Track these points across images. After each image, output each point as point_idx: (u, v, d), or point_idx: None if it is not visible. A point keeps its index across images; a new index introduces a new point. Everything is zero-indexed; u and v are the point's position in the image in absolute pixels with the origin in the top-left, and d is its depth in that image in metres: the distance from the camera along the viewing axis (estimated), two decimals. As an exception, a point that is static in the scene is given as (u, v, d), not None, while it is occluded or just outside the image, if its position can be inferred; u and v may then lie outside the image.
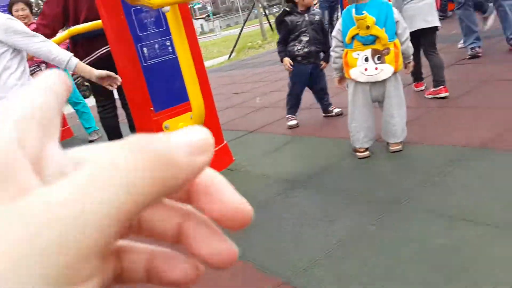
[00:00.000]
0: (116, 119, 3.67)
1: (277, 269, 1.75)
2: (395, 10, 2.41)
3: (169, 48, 2.89)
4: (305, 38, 3.39)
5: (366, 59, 2.42)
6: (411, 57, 2.55)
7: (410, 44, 2.49)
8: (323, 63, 3.48)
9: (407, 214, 1.91)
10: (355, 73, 2.47)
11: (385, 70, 2.39)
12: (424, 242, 1.67)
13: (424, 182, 2.13)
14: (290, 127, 3.61)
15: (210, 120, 3.05)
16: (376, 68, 2.40)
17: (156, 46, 2.86)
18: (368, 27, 2.34)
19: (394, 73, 2.43)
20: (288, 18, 3.40)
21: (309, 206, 2.25)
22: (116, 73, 2.70)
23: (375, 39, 2.37)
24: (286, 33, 3.44)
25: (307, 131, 3.49)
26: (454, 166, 2.20)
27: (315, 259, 1.74)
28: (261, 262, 1.82)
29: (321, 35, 3.44)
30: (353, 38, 2.43)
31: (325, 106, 3.64)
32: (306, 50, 3.40)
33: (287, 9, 3.43)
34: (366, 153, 2.59)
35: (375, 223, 1.88)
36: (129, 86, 2.81)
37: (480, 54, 4.34)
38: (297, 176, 2.61)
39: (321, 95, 3.60)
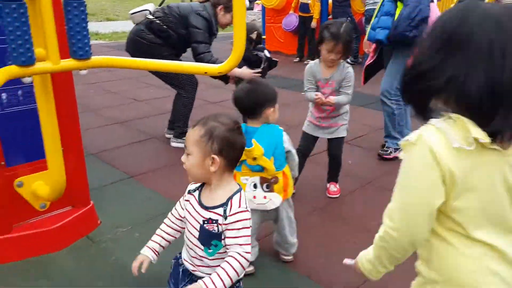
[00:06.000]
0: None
1: None
2: (285, 139, 2.22)
3: (36, 96, 2.42)
4: None
5: (255, 186, 2.21)
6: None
7: (296, 169, 2.35)
8: None
9: None
10: None
11: (274, 200, 2.21)
12: None
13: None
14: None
15: (76, 181, 2.65)
16: (265, 197, 2.21)
17: (19, 92, 2.37)
18: (255, 159, 2.15)
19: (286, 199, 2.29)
20: None
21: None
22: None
23: (263, 168, 2.18)
24: None
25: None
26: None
27: None
28: None
29: None
30: (241, 162, 2.19)
31: None
32: None
33: None
34: (251, 268, 2.36)
35: None
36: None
37: None
38: (157, 275, 2.32)
39: None
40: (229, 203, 1.51)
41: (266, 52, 4.03)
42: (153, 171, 3.64)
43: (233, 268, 1.47)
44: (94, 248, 2.59)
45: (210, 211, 1.53)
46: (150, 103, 5.70)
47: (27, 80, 1.87)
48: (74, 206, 2.73)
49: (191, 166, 1.52)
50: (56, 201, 2.58)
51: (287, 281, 2.34)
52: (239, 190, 1.55)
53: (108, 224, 2.82)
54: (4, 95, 2.32)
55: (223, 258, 1.52)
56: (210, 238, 1.53)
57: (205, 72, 1.90)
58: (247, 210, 1.52)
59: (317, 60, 3.07)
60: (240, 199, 1.53)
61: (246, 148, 2.10)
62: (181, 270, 1.65)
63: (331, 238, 2.72)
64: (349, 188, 3.34)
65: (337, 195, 3.23)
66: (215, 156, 1.49)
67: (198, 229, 1.55)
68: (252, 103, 2.18)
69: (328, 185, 3.29)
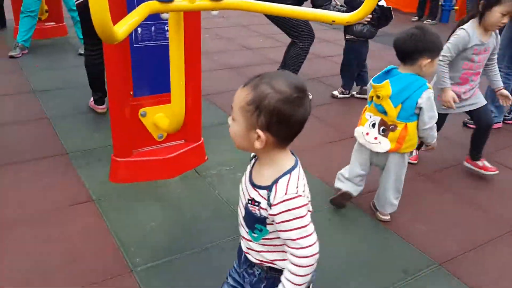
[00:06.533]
0: (102, 66, 3.42)
1: None
2: (425, 95, 2.11)
3: (167, 33, 2.58)
4: None
5: (373, 125, 2.25)
6: (433, 143, 2.31)
7: (432, 133, 2.24)
8: None
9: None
10: (358, 131, 2.33)
11: (382, 144, 2.22)
12: None
13: None
14: None
15: (191, 117, 2.83)
16: (376, 138, 2.23)
17: (153, 28, 2.56)
18: (378, 97, 2.14)
19: (399, 152, 2.26)
20: None
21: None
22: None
23: (386, 111, 2.17)
24: None
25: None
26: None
27: None
28: None
29: None
30: (372, 98, 2.25)
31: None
32: None
33: None
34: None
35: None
36: (112, 65, 2.53)
37: None
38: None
39: None
40: (273, 188, 1.15)
41: (382, 1, 3.82)
42: (258, 118, 3.75)
43: (295, 274, 1.17)
44: (200, 181, 2.79)
45: (255, 189, 1.22)
46: (258, 51, 5.79)
47: (165, 16, 2.01)
48: (186, 140, 2.94)
49: (234, 134, 1.19)
50: (171, 133, 2.80)
51: (380, 240, 2.35)
52: (289, 171, 1.17)
53: (214, 161, 3.01)
54: (139, 29, 2.51)
55: (270, 245, 1.25)
56: (254, 221, 1.24)
57: (333, 21, 1.90)
58: (299, 196, 1.14)
59: (470, 24, 2.73)
60: (288, 183, 1.15)
61: (375, 84, 2.13)
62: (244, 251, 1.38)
63: (433, 206, 2.67)
64: (461, 159, 3.18)
65: (496, 172, 2.95)
66: (260, 132, 1.12)
67: (244, 208, 1.27)
68: (411, 47, 2.14)
69: (480, 163, 2.99)
